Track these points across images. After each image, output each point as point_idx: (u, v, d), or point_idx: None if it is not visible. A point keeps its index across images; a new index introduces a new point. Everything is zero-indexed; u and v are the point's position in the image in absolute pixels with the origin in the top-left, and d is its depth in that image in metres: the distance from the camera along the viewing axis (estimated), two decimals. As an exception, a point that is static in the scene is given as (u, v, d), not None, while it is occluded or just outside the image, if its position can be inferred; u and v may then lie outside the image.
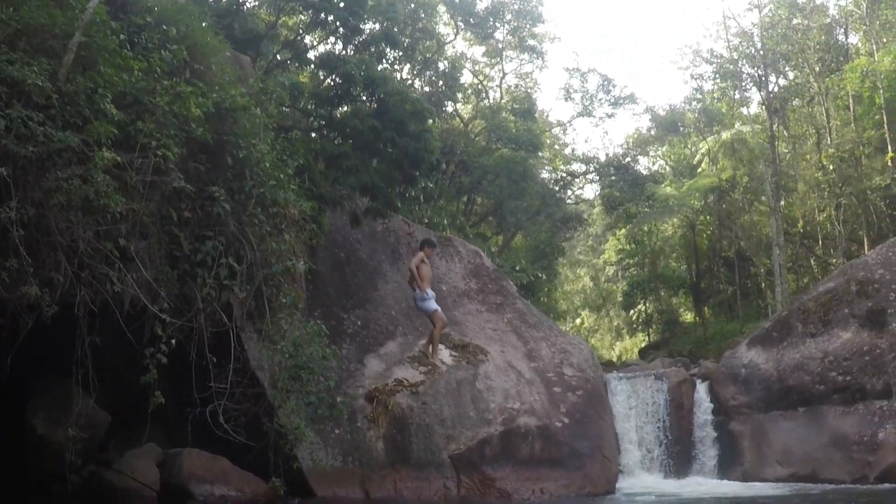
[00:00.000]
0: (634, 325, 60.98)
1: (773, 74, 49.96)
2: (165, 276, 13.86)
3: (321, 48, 27.70)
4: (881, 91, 41.00)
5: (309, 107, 22.49)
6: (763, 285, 50.45)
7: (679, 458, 24.96)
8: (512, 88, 53.18)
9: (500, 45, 51.33)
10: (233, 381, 14.84)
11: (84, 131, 12.26)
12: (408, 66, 43.21)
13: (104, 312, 13.02)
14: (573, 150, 59.63)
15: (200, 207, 14.46)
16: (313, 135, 22.64)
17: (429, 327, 21.63)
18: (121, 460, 16.69)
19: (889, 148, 41.23)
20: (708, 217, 52.13)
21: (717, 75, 54.00)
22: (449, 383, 20.68)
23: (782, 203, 46.18)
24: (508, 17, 48.92)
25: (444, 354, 21.62)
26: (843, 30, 49.53)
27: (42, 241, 11.90)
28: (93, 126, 12.30)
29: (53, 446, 15.62)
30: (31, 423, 16.04)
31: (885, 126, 41.49)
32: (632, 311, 58.91)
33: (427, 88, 44.10)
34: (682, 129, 56.38)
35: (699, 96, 56.08)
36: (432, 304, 17.87)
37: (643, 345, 55.86)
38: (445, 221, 34.53)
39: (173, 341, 13.70)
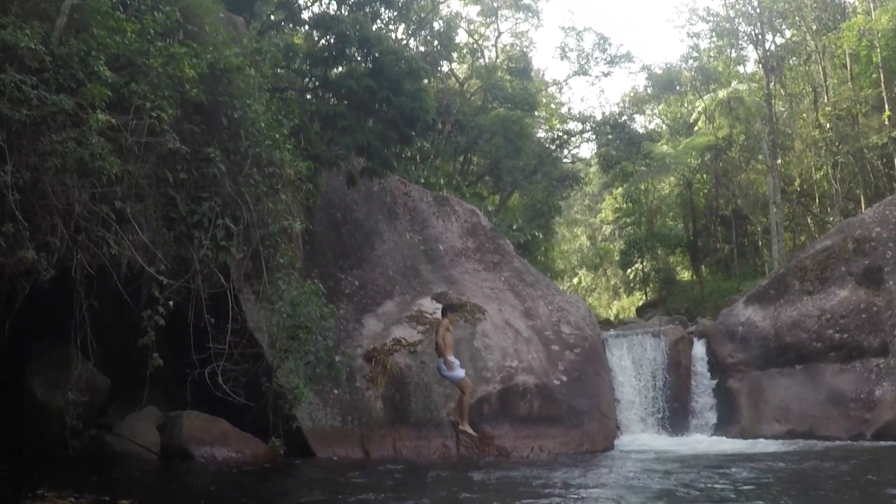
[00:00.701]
0: (632, 284, 61.06)
1: (769, 32, 49.74)
2: (162, 238, 13.82)
3: (315, 8, 27.52)
4: (878, 50, 40.89)
5: (304, 68, 22.36)
6: (760, 243, 50.56)
7: (677, 415, 25.11)
8: (507, 48, 52.99)
9: (494, 4, 51.11)
10: (231, 341, 14.85)
11: (78, 94, 12.19)
12: (402, 25, 42.95)
13: (101, 276, 12.99)
14: (569, 109, 59.73)
15: (196, 169, 14.39)
16: (308, 96, 22.53)
17: (426, 289, 21.69)
18: (121, 424, 16.75)
19: (886, 106, 41.17)
20: (705, 175, 52.13)
21: (714, 33, 53.82)
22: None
23: (779, 161, 46.12)
24: (503, -25, 48.69)
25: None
26: (840, -13, 49.30)
27: (38, 204, 11.85)
28: (87, 89, 12.22)
29: (54, 411, 15.67)
30: (31, 389, 16.08)
31: (883, 85, 41.42)
32: (629, 270, 58.97)
33: (422, 48, 43.84)
34: (678, 87, 56.21)
35: (695, 55, 55.89)
36: (460, 372, 17.55)
37: (640, 303, 56.03)
38: (442, 181, 34.52)
39: (171, 303, 13.69)
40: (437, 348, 16.65)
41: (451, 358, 16.66)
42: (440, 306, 20.76)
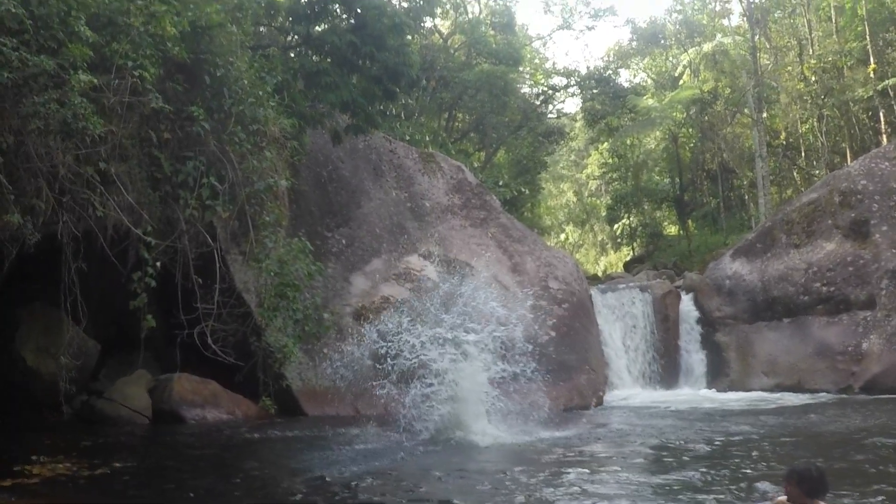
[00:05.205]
0: (619, 240, 61.02)
1: (754, -16, 49.46)
2: (147, 199, 13.72)
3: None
4: (863, 1, 40.62)
5: (286, 24, 22.16)
6: (746, 197, 50.49)
7: (666, 369, 25.26)
8: (490, 2, 52.51)
9: (477, -42, 50.61)
10: (219, 301, 14.79)
11: (59, 55, 12.01)
12: (384, -19, 42.46)
13: (88, 238, 12.91)
14: (554, 63, 59.24)
15: (180, 128, 14.26)
16: (291, 53, 22.34)
17: (413, 247, 21.67)
18: (112, 388, 16.75)
19: (871, 59, 41.01)
20: (690, 129, 51.98)
21: (698, -15, 53.58)
22: (435, 299, 20.69)
23: (765, 115, 45.92)
24: (485, -73, 48.26)
25: (430, 270, 21.60)
26: (825, -63, 48.95)
27: (22, 167, 11.73)
28: (68, 49, 12.05)
29: (45, 377, 15.65)
30: (21, 355, 16.03)
31: (868, 37, 41.19)
32: (616, 225, 58.86)
33: (405, 4, 43.40)
34: (662, 41, 56.01)
35: (680, 8, 55.65)
36: None
37: (628, 258, 55.99)
38: (427, 138, 34.27)
39: (158, 264, 13.61)
40: None
41: None
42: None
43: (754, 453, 13.04)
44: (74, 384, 15.12)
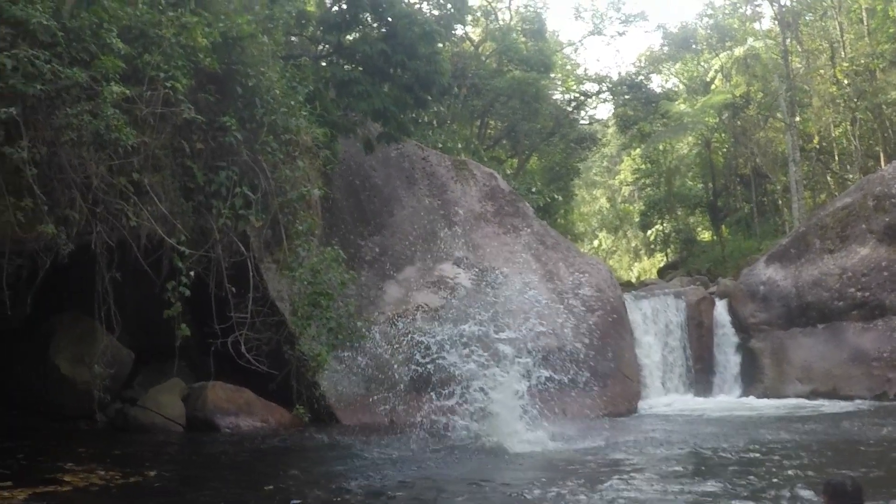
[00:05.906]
0: (652, 246, 60.78)
1: (785, -13, 49.16)
2: (181, 209, 13.81)
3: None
4: (894, 3, 40.28)
5: (317, 34, 22.25)
6: (780, 202, 50.12)
7: (700, 376, 25.12)
8: (521, 9, 52.45)
9: (507, -34, 50.62)
10: (253, 310, 14.83)
11: (91, 67, 12.09)
12: (415, -11, 42.52)
13: (122, 249, 12.99)
14: (585, 70, 59.01)
15: (212, 138, 14.34)
16: (322, 62, 22.42)
17: (446, 254, 21.64)
18: (146, 396, 16.82)
19: (904, 61, 40.70)
20: (723, 134, 51.72)
21: (729, -10, 53.30)
22: (469, 307, 20.65)
23: (797, 119, 45.56)
24: (515, -65, 48.26)
25: (463, 277, 21.58)
26: (857, -61, 48.57)
27: (55, 178, 11.80)
28: (100, 61, 12.13)
29: (79, 385, 15.74)
30: (55, 363, 16.13)
31: (900, 40, 40.89)
32: (649, 231, 58.64)
33: (436, 12, 43.38)
34: (694, 45, 55.72)
35: (710, 12, 55.45)
36: None
37: (661, 265, 55.78)
38: (459, 145, 34.28)
39: (192, 273, 13.66)
40: None
41: None
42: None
43: (790, 461, 12.92)
44: (108, 392, 15.21)
